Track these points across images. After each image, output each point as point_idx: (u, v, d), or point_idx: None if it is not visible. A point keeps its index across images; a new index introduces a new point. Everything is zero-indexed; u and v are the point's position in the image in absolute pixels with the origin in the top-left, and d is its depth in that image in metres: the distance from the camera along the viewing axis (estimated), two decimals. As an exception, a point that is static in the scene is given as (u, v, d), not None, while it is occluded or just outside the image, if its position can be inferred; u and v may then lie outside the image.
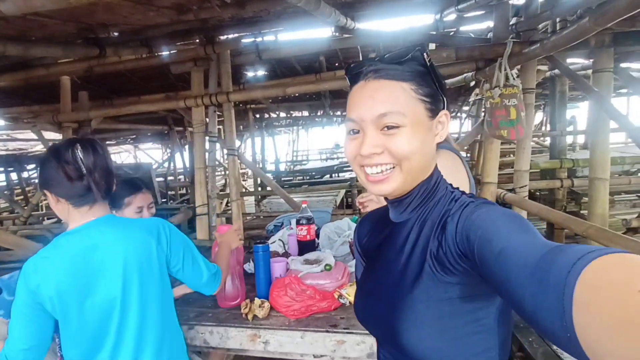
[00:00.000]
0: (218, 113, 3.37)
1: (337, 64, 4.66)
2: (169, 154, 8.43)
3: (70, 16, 1.66)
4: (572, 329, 0.36)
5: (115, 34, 2.37)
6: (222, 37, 3.33)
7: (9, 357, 0.99)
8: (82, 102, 3.66)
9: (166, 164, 8.42)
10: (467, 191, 0.70)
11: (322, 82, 3.77)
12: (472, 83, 4.24)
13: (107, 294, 1.03)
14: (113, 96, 4.60)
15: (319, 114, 7.73)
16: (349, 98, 0.67)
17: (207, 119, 3.27)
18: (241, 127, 8.16)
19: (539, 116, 9.23)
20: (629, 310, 0.31)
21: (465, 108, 6.79)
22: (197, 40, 3.26)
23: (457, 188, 0.69)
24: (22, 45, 1.82)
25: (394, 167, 0.63)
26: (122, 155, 13.02)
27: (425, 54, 0.64)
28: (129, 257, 1.05)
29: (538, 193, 4.95)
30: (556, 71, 3.89)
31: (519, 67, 2.49)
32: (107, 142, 8.42)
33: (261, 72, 4.74)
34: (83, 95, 3.67)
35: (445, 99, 0.67)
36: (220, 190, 6.02)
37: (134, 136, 8.46)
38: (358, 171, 0.67)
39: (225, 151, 4.51)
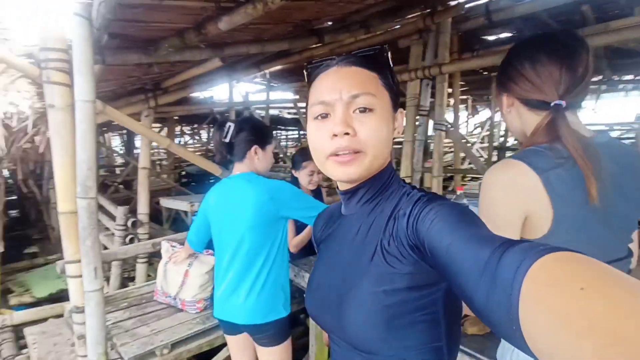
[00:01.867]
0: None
1: (610, 13, 3.54)
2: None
3: (279, 19, 2.12)
4: (517, 322, 0.37)
5: (329, 23, 2.75)
6: (449, 3, 3.21)
7: (187, 238, 1.73)
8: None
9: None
10: None
11: (588, 39, 2.95)
12: None
13: (232, 224, 1.50)
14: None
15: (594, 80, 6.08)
16: (314, 85, 0.69)
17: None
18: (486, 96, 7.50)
19: None
20: (570, 307, 0.32)
21: None
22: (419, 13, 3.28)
23: (409, 184, 0.71)
24: (260, 45, 2.47)
25: (359, 152, 0.64)
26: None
27: (388, 53, 0.69)
28: (249, 205, 1.45)
29: None
30: None
31: None
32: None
33: (505, 35, 4.22)
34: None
35: (399, 97, 0.71)
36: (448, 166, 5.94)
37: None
38: (324, 163, 0.66)
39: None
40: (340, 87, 0.64)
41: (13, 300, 4.25)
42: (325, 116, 0.65)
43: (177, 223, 5.08)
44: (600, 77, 5.39)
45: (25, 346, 2.99)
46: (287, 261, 1.61)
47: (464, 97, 8.13)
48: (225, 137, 1.51)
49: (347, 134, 0.62)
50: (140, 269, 3.58)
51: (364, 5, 2.57)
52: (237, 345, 1.61)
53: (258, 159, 1.55)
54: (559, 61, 0.83)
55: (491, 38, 4.32)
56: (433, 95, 3.36)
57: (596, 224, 0.82)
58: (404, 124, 0.72)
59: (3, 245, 4.41)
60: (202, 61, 2.59)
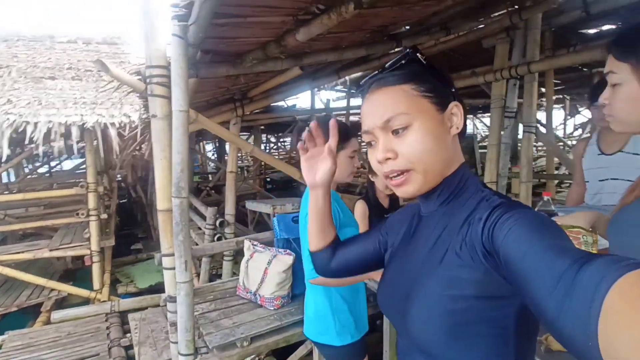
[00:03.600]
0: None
1: None
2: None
3: (355, 27, 2.16)
4: (595, 337, 0.36)
5: (407, 27, 2.72)
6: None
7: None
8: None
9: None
10: None
11: None
12: None
13: None
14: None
15: None
16: (361, 111, 0.72)
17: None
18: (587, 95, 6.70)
19: None
20: None
21: None
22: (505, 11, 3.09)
23: (489, 188, 0.68)
24: (337, 52, 2.53)
25: (409, 171, 0.65)
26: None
27: (419, 53, 0.67)
28: None
29: None
30: None
31: None
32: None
33: (608, 27, 3.77)
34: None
35: (453, 90, 0.69)
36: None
37: (467, 108, 8.81)
38: (385, 182, 0.71)
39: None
40: (373, 113, 0.66)
41: (120, 289, 4.86)
42: (372, 143, 0.69)
43: (261, 225, 5.38)
44: None
45: (128, 331, 3.42)
46: (348, 287, 1.47)
47: (559, 96, 7.39)
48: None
49: (388, 158, 0.65)
50: (226, 266, 3.86)
51: (443, 7, 2.50)
52: None
53: None
54: None
55: (592, 31, 3.89)
56: (522, 96, 3.14)
57: None
58: (461, 119, 0.67)
59: (115, 240, 5.08)
60: (284, 70, 2.73)
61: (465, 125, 0.70)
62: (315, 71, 3.59)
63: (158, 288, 4.72)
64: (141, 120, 3.45)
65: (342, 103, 6.26)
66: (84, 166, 6.72)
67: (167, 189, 1.92)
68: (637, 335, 0.32)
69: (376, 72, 0.69)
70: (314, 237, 0.89)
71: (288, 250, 2.13)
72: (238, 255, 4.15)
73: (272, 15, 1.69)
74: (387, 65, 0.68)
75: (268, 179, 9.85)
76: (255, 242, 2.28)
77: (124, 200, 9.02)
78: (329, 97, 6.37)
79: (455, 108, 0.67)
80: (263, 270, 2.08)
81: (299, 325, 1.95)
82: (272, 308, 2.06)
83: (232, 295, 2.27)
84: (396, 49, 2.89)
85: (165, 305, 2.11)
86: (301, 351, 2.19)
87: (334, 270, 0.89)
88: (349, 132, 1.45)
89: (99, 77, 4.77)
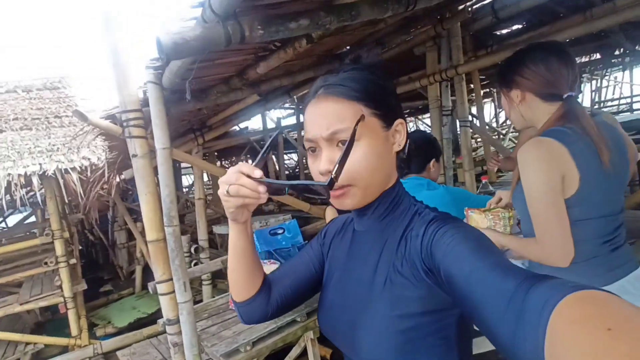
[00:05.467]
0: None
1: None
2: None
3: (305, 55, 2.46)
4: (542, 359, 0.37)
5: (348, 47, 3.07)
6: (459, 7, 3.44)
7: None
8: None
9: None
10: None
11: (596, 21, 2.91)
12: None
13: None
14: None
15: (616, 53, 5.99)
16: (304, 116, 0.68)
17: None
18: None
19: None
20: (597, 347, 0.32)
21: None
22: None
23: (420, 202, 0.70)
24: (289, 77, 2.81)
25: (350, 186, 0.63)
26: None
27: (366, 71, 0.66)
28: None
29: None
30: None
31: None
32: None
33: (517, 27, 4.37)
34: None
35: (399, 107, 0.69)
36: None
37: (408, 111, 9.40)
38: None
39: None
40: (319, 123, 0.64)
41: (99, 332, 4.78)
42: (314, 150, 0.67)
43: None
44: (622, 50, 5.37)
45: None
46: None
47: (487, 90, 8.17)
48: None
49: (330, 171, 0.59)
50: (206, 290, 4.08)
51: (377, 29, 2.87)
52: None
53: None
54: (564, 63, 1.10)
55: (504, 31, 4.48)
56: (454, 94, 3.58)
57: (607, 184, 1.07)
58: (404, 137, 0.68)
59: (85, 284, 4.97)
60: (243, 98, 2.96)
61: (406, 142, 0.70)
62: (267, 94, 3.85)
63: (137, 324, 4.70)
64: (107, 160, 3.52)
65: (292, 120, 6.56)
66: (31, 218, 6.51)
67: (155, 221, 2.08)
68: (577, 357, 0.33)
69: (327, 76, 0.67)
70: (240, 285, 0.75)
71: (272, 260, 2.35)
72: (216, 278, 4.31)
73: (237, 55, 1.94)
74: (330, 78, 0.66)
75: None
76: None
77: (80, 248, 8.67)
78: (279, 115, 6.63)
79: (399, 125, 0.67)
80: (253, 281, 2.27)
81: (292, 325, 2.17)
82: (267, 313, 2.25)
83: (225, 310, 2.44)
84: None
85: (164, 329, 2.25)
86: (295, 352, 2.41)
87: (273, 313, 0.78)
88: None
89: (49, 125, 4.72)
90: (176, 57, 1.15)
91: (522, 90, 1.16)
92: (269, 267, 2.32)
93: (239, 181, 0.58)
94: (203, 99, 2.45)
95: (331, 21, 1.37)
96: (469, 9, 3.36)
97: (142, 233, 5.17)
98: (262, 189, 0.58)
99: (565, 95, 1.09)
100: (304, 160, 8.20)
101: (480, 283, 0.47)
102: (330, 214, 2.39)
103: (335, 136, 0.62)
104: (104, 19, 1.84)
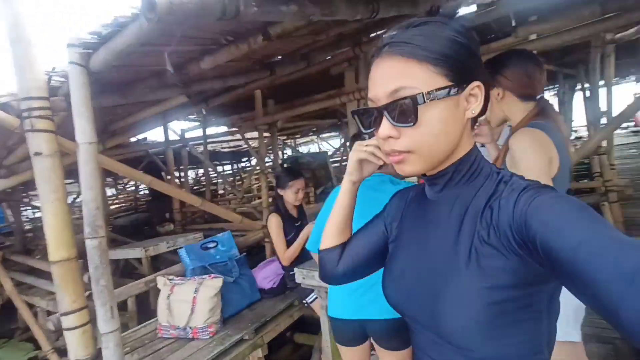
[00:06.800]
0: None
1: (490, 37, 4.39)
2: (342, 142, 9.42)
3: (243, 56, 2.35)
4: None
5: (279, 57, 3.05)
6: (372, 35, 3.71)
7: None
8: (270, 108, 4.68)
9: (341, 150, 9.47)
10: (539, 178, 0.68)
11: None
12: None
13: None
14: (294, 99, 5.59)
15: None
16: (369, 78, 0.64)
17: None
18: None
19: None
20: None
21: None
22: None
23: (504, 169, 0.64)
24: (222, 80, 2.65)
25: (410, 152, 0.60)
26: (308, 144, 14.99)
27: (446, 23, 0.60)
28: None
29: None
30: None
31: None
32: (295, 135, 10.08)
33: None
34: (270, 103, 4.69)
35: (479, 68, 0.61)
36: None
37: (315, 129, 9.77)
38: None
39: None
40: (380, 82, 0.60)
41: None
42: (374, 115, 0.63)
43: (130, 270, 4.80)
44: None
45: None
46: None
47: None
48: None
49: (390, 137, 0.60)
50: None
51: (304, 44, 2.92)
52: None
53: None
54: (539, 68, 1.28)
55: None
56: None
57: (568, 171, 1.26)
58: (480, 102, 0.61)
59: None
60: (164, 100, 2.68)
61: (485, 108, 0.63)
62: (191, 96, 3.58)
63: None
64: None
65: (198, 132, 6.16)
66: None
67: (64, 234, 1.70)
68: None
69: (395, 30, 0.61)
70: (331, 233, 0.85)
71: (213, 275, 2.11)
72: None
73: (189, 44, 1.74)
74: (408, 28, 0.59)
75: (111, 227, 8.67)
76: (170, 277, 2.16)
77: None
78: (182, 127, 6.17)
79: (476, 89, 0.60)
80: (191, 300, 1.99)
81: (240, 345, 1.96)
82: (208, 337, 1.99)
83: (153, 340, 2.09)
84: (270, 76, 3.18)
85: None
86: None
87: (340, 273, 0.84)
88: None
89: None
90: (168, 18, 0.97)
91: (503, 89, 1.29)
92: (212, 281, 2.07)
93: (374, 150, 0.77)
94: (127, 94, 2.14)
95: (314, 12, 1.33)
96: (383, 35, 3.65)
97: None
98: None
99: (538, 96, 1.25)
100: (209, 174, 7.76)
101: (592, 256, 0.43)
102: (274, 220, 2.28)
103: (397, 94, 0.57)
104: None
